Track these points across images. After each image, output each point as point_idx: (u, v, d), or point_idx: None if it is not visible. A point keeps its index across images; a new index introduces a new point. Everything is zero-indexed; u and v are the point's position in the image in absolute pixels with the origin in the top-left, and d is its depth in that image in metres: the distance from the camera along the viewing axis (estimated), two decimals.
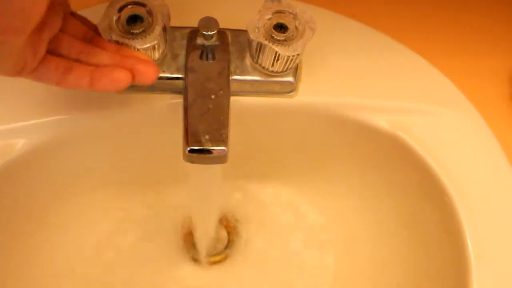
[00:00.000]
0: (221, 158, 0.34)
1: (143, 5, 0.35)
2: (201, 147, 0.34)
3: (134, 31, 0.35)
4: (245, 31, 0.38)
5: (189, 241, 0.53)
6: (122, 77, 0.30)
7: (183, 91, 0.37)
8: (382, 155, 0.45)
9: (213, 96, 0.36)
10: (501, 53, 0.48)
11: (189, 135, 0.34)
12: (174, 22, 0.37)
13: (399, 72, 0.44)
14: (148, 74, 0.31)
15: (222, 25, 0.37)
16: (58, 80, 0.30)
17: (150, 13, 0.35)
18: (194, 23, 0.37)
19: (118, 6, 0.35)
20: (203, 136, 0.34)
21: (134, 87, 0.39)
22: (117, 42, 0.34)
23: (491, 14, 0.49)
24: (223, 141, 0.34)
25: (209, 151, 0.34)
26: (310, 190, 0.54)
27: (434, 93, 0.44)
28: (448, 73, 0.45)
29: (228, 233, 0.54)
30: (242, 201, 0.54)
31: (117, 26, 0.35)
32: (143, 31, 0.35)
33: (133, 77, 0.31)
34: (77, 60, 0.31)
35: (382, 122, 0.43)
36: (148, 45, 0.35)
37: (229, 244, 0.53)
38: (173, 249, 0.52)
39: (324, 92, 0.42)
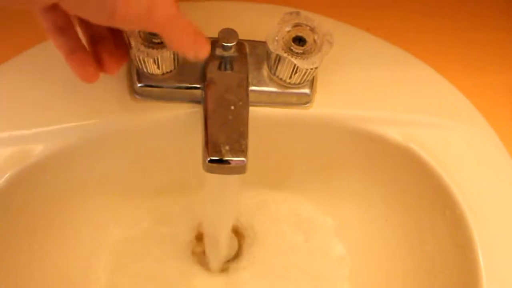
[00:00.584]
0: (240, 169, 0.35)
1: None
2: (221, 158, 0.34)
3: (155, 41, 0.35)
4: (262, 43, 0.39)
5: (200, 248, 0.53)
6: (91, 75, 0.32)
7: (203, 102, 0.37)
8: (395, 167, 0.45)
9: (232, 107, 0.36)
10: None
11: (210, 146, 0.34)
12: None
13: (413, 85, 0.45)
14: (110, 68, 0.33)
15: (239, 36, 0.37)
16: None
17: None
18: (213, 34, 0.38)
19: None
20: (223, 147, 0.34)
21: (151, 96, 0.40)
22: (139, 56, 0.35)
23: (504, 29, 0.50)
24: (242, 151, 0.34)
25: (229, 162, 0.34)
26: (323, 200, 0.54)
27: (447, 107, 0.44)
28: (461, 87, 0.45)
29: (239, 241, 0.54)
30: (255, 209, 0.54)
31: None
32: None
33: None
34: None
35: (395, 134, 0.43)
36: (168, 54, 0.35)
37: (240, 252, 0.54)
38: (184, 257, 0.52)
39: (339, 104, 0.43)
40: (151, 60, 0.36)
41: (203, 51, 0.33)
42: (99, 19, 0.26)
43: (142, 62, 0.36)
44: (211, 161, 0.34)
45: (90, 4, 0.25)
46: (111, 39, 0.34)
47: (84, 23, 0.33)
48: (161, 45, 0.35)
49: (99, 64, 0.33)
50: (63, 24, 0.31)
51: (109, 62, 0.33)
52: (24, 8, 0.28)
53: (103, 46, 0.33)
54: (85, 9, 0.25)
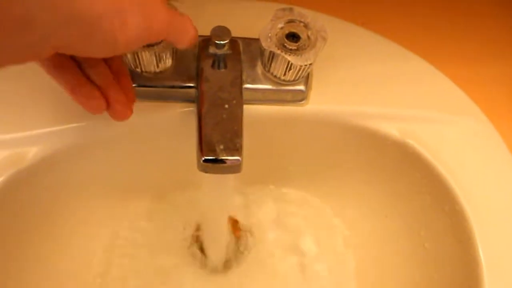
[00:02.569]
0: (235, 168, 0.34)
1: None
2: (216, 157, 0.33)
3: None
4: (256, 40, 0.39)
5: (197, 248, 0.52)
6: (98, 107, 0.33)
7: (196, 101, 0.37)
8: (392, 163, 0.45)
9: (226, 106, 0.36)
10: (510, 60, 0.48)
11: (204, 145, 0.34)
12: None
13: (409, 80, 0.44)
14: (120, 115, 0.34)
15: (232, 33, 0.37)
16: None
17: None
18: (205, 32, 0.38)
19: None
20: (218, 146, 0.34)
21: (146, 96, 0.40)
22: (134, 53, 0.34)
23: (501, 22, 0.49)
24: (237, 150, 0.34)
25: (223, 161, 0.34)
26: (321, 196, 0.54)
27: (444, 101, 0.44)
28: (458, 80, 0.45)
29: (238, 240, 0.54)
30: (252, 207, 0.54)
31: None
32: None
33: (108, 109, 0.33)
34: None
35: (392, 130, 0.43)
36: (161, 53, 0.35)
37: (239, 250, 0.53)
38: (182, 256, 0.52)
39: (334, 100, 0.42)
40: (152, 59, 0.36)
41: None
42: (104, 52, 0.27)
43: (136, 61, 0.36)
44: (206, 160, 0.34)
45: (94, 41, 0.25)
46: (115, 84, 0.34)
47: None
48: (156, 44, 0.35)
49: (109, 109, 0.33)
50: (62, 63, 0.31)
51: (119, 108, 0.33)
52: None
53: (110, 92, 0.33)
54: (90, 47, 0.26)
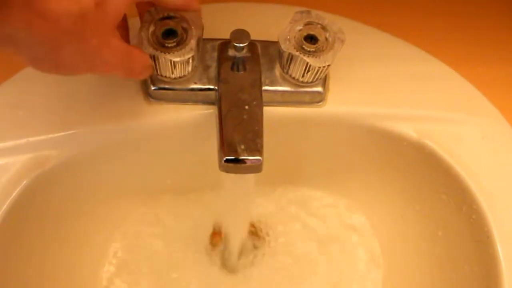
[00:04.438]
0: (256, 168, 0.35)
1: (178, 18, 0.36)
2: (237, 157, 0.34)
3: (168, 45, 0.35)
4: (274, 43, 0.39)
5: (216, 248, 0.53)
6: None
7: (217, 102, 0.37)
8: (410, 163, 0.45)
9: (246, 107, 0.36)
10: None
11: (225, 145, 0.34)
12: (204, 34, 0.38)
13: (426, 81, 0.44)
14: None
15: (251, 36, 0.37)
16: None
17: (184, 27, 0.36)
18: (224, 35, 0.38)
19: (154, 19, 0.35)
20: (239, 146, 0.34)
21: (166, 98, 0.40)
22: (152, 56, 0.35)
23: None
24: (258, 150, 0.34)
25: (244, 161, 0.34)
26: (339, 197, 0.54)
27: (461, 102, 0.44)
28: (474, 81, 0.45)
29: (256, 240, 0.54)
30: (271, 208, 0.54)
31: (153, 40, 0.35)
32: (177, 44, 0.35)
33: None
34: None
35: (409, 131, 0.43)
36: (183, 58, 0.36)
37: (258, 250, 0.54)
38: (200, 256, 0.52)
39: (352, 102, 0.43)
40: (166, 64, 0.36)
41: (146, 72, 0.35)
42: (44, 68, 0.28)
43: (156, 65, 0.37)
44: (227, 160, 0.34)
45: (34, 54, 0.26)
46: None
47: None
48: (176, 48, 0.35)
49: None
50: None
51: None
52: None
53: None
54: (30, 58, 0.27)
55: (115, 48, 0.30)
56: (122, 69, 0.32)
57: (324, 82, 0.41)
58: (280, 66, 0.39)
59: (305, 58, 0.36)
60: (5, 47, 0.25)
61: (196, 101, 0.41)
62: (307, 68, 0.37)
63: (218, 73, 0.38)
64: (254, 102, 0.36)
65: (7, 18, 0.23)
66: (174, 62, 0.35)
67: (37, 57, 0.27)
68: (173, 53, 0.35)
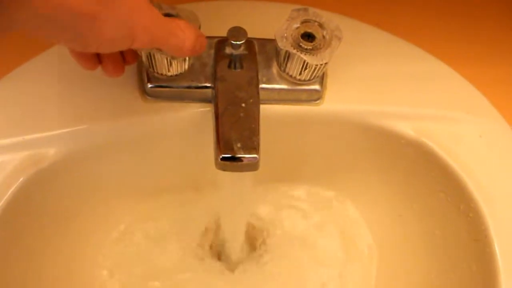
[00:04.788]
0: (253, 166, 0.35)
1: (175, 16, 0.36)
2: (234, 155, 0.34)
3: None
4: (271, 40, 0.39)
5: (214, 247, 0.53)
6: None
7: (213, 100, 0.37)
8: (408, 162, 0.45)
9: (243, 105, 0.36)
10: None
11: (222, 143, 0.34)
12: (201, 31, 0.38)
13: (424, 80, 0.44)
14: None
15: (248, 34, 0.37)
16: None
17: None
18: (221, 33, 0.38)
19: None
20: (235, 144, 0.34)
21: (162, 96, 0.40)
22: (148, 54, 0.35)
23: None
24: (254, 148, 0.34)
25: (241, 159, 0.34)
26: (335, 195, 0.54)
27: (460, 100, 0.44)
28: (473, 80, 0.45)
29: (254, 238, 0.54)
30: (267, 206, 0.54)
31: None
32: None
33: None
34: None
35: (407, 129, 0.43)
36: (172, 59, 0.36)
37: (255, 248, 0.54)
38: (198, 255, 0.52)
39: (349, 100, 0.43)
40: (162, 62, 0.36)
41: (202, 47, 0.33)
42: (76, 48, 0.27)
43: (152, 63, 0.36)
44: (224, 158, 0.34)
45: (60, 36, 0.25)
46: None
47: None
48: None
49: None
50: None
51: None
52: None
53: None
54: (58, 39, 0.26)
55: (153, 14, 0.28)
56: (167, 37, 0.30)
57: (322, 80, 0.41)
58: (277, 64, 0.39)
59: (302, 56, 0.36)
60: (38, 31, 0.24)
61: (192, 99, 0.40)
62: (304, 66, 0.37)
63: (215, 71, 0.38)
64: (251, 100, 0.36)
65: (33, 4, 0.22)
66: (170, 59, 0.35)
67: (75, 37, 0.25)
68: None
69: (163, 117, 0.41)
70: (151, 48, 0.32)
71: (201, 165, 0.44)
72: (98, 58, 0.33)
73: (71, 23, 0.24)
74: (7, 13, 0.22)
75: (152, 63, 0.37)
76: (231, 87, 0.37)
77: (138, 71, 0.41)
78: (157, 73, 0.38)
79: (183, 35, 0.31)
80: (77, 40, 0.26)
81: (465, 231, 0.42)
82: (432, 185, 0.45)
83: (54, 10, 0.23)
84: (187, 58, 0.37)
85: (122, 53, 0.34)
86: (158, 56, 0.35)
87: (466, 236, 0.42)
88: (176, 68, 0.37)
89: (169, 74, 0.38)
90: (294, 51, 0.36)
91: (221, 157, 0.34)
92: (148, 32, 0.28)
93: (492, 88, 0.45)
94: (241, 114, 0.36)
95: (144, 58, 0.36)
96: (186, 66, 0.38)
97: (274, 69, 0.40)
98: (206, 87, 0.39)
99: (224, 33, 0.37)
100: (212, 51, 0.39)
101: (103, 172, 0.45)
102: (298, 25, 0.38)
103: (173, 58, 0.36)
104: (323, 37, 0.37)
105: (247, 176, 0.39)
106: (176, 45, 0.31)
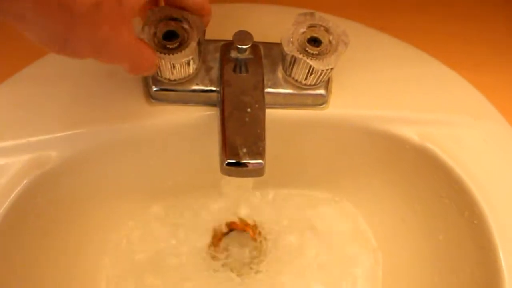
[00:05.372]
0: (258, 171, 0.34)
1: (180, 20, 0.35)
2: (239, 161, 0.34)
3: (169, 46, 0.35)
4: (277, 44, 0.39)
5: (218, 249, 0.53)
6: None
7: (219, 104, 0.37)
8: (412, 166, 0.45)
9: (249, 110, 0.36)
10: None
11: (227, 149, 0.34)
12: (206, 35, 0.38)
13: (429, 84, 0.44)
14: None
15: (254, 38, 0.37)
16: None
17: (185, 28, 0.35)
18: (227, 36, 0.38)
19: (155, 21, 0.35)
20: (241, 150, 0.34)
21: (167, 99, 0.40)
22: None
23: None
24: (260, 154, 0.34)
25: (246, 165, 0.34)
26: (341, 200, 0.54)
27: (464, 105, 0.44)
28: (478, 84, 0.45)
29: (257, 241, 0.54)
30: (272, 210, 0.54)
31: (154, 41, 0.35)
32: (178, 46, 0.35)
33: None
34: None
35: (411, 134, 0.43)
36: (182, 60, 0.35)
37: (259, 252, 0.54)
38: (201, 257, 0.52)
39: (354, 104, 0.43)
40: (166, 66, 0.36)
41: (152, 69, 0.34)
42: (51, 48, 0.27)
43: (159, 68, 0.36)
44: (229, 164, 0.34)
45: (42, 34, 0.25)
46: None
47: None
48: (176, 49, 0.35)
49: None
50: None
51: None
52: None
53: None
54: (38, 37, 0.26)
55: (125, 40, 0.29)
56: (128, 63, 0.31)
57: (327, 84, 0.41)
58: (283, 68, 0.39)
59: (308, 61, 0.36)
60: (16, 23, 0.25)
61: (197, 103, 0.40)
62: (310, 71, 0.37)
63: (220, 75, 0.38)
64: (257, 105, 0.36)
65: None
66: (173, 63, 0.35)
67: (44, 37, 0.26)
68: (172, 55, 0.35)
69: (167, 120, 0.41)
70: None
71: (206, 168, 0.44)
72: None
73: (57, 20, 0.25)
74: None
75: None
76: (237, 91, 0.37)
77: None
78: (161, 76, 0.38)
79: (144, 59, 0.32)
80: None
81: (469, 238, 0.42)
82: (436, 190, 0.45)
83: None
84: (191, 62, 0.36)
85: None
86: (161, 60, 0.35)
87: (470, 243, 0.42)
88: (179, 72, 0.37)
89: (172, 78, 0.38)
90: (300, 56, 0.36)
91: (226, 162, 0.34)
92: (111, 57, 0.29)
93: (497, 93, 0.45)
94: (247, 119, 0.35)
95: None
96: (191, 70, 0.38)
97: (280, 73, 0.40)
98: (212, 90, 0.39)
99: (229, 37, 0.37)
100: (218, 55, 0.39)
101: (107, 174, 0.45)
102: (305, 29, 0.37)
103: (175, 65, 0.36)
104: (330, 42, 0.37)
105: (250, 179, 0.39)
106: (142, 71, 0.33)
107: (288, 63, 0.38)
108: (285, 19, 0.38)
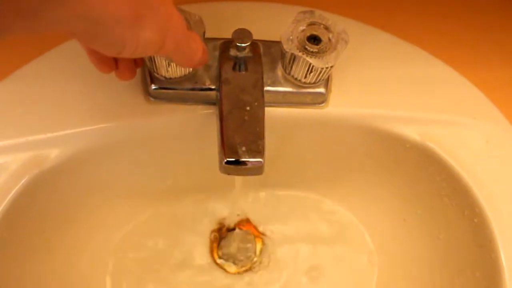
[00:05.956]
0: (257, 170, 0.34)
1: None
2: (238, 159, 0.34)
3: None
4: (276, 42, 0.39)
5: (216, 249, 0.53)
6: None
7: (218, 103, 0.37)
8: (412, 166, 0.45)
9: (248, 108, 0.36)
10: None
11: (226, 147, 0.34)
12: (206, 33, 0.38)
13: (429, 83, 0.44)
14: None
15: (253, 36, 0.37)
16: None
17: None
18: (226, 34, 0.38)
19: None
20: (240, 148, 0.34)
21: (166, 98, 0.40)
22: (150, 58, 0.35)
23: None
24: (259, 152, 0.34)
25: (245, 163, 0.34)
26: (340, 199, 0.54)
27: (465, 104, 0.44)
28: (478, 84, 0.45)
29: (259, 242, 0.54)
30: (270, 210, 0.54)
31: None
32: None
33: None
34: None
35: (412, 133, 0.43)
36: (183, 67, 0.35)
37: (258, 252, 0.53)
38: (202, 257, 0.52)
39: (354, 103, 0.42)
40: (162, 63, 0.36)
41: (205, 60, 0.34)
42: (108, 52, 0.27)
43: (155, 65, 0.36)
44: (228, 162, 0.34)
45: (102, 41, 0.25)
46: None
47: None
48: None
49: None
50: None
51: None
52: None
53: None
54: (97, 44, 0.25)
55: (182, 23, 0.29)
56: (185, 48, 0.31)
57: (327, 83, 0.40)
58: (282, 66, 0.39)
59: (307, 59, 0.36)
60: (76, 27, 0.23)
61: (196, 101, 0.40)
62: (310, 69, 0.37)
63: (220, 73, 0.38)
64: (256, 103, 0.36)
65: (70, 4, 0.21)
66: (168, 61, 0.35)
67: (114, 40, 0.25)
68: None
69: (166, 119, 0.41)
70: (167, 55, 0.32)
71: (205, 167, 0.44)
72: (115, 62, 0.33)
73: (112, 25, 0.24)
74: (42, 13, 0.21)
75: (153, 65, 0.36)
76: (236, 90, 0.37)
77: (142, 73, 0.40)
78: (157, 73, 0.38)
79: (195, 47, 0.31)
80: (115, 44, 0.25)
81: (469, 237, 0.42)
82: (437, 189, 0.44)
83: (95, 12, 0.23)
84: None
85: None
86: (157, 58, 0.35)
87: (470, 242, 0.42)
88: (175, 70, 0.37)
89: (168, 76, 0.38)
90: (300, 54, 0.36)
91: (225, 161, 0.34)
92: (175, 40, 0.28)
93: (499, 93, 0.45)
94: (246, 117, 0.35)
95: (146, 61, 0.36)
96: (190, 69, 0.38)
97: (279, 71, 0.40)
98: (210, 89, 0.39)
99: (229, 35, 0.37)
100: (217, 53, 0.39)
101: (106, 173, 0.45)
102: (304, 27, 0.37)
103: (171, 62, 0.35)
104: (329, 40, 0.37)
105: (249, 178, 0.39)
106: (188, 56, 0.31)
107: (287, 61, 0.38)
108: (284, 17, 0.38)
